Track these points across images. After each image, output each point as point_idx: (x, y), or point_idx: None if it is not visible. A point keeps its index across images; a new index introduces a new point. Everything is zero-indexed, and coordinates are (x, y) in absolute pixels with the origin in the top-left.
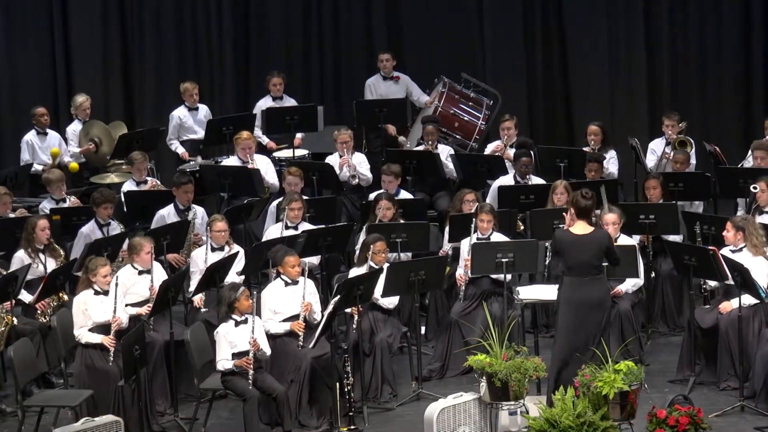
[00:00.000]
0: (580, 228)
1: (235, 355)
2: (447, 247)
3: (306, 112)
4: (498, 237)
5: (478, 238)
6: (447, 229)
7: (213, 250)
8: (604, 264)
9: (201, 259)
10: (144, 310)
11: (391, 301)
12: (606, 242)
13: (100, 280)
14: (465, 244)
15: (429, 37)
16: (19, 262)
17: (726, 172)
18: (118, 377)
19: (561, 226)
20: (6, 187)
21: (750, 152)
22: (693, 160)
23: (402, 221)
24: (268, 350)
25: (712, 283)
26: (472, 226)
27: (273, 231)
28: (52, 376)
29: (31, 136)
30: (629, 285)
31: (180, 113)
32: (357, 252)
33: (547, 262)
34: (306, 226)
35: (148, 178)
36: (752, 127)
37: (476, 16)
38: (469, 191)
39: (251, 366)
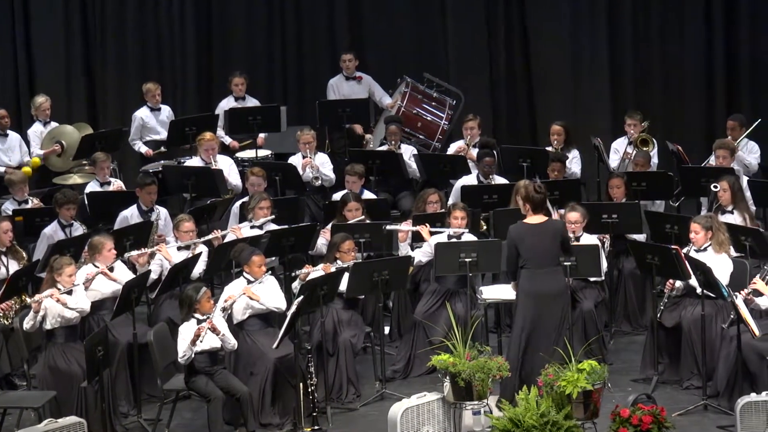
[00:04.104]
0: (536, 219)
1: (197, 353)
2: (409, 250)
3: (269, 113)
4: (468, 237)
5: (449, 236)
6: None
7: (179, 249)
8: (564, 262)
9: (165, 260)
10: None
11: None
12: (561, 231)
13: (65, 279)
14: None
15: (392, 37)
16: None
17: (688, 172)
18: (81, 379)
19: None
20: None
21: (713, 152)
22: (655, 160)
23: (367, 221)
24: (233, 341)
25: (679, 284)
26: (439, 224)
27: None
28: (15, 378)
29: None
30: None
31: (142, 114)
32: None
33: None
34: (271, 226)
35: (112, 179)
36: (714, 126)
37: (439, 17)
38: (433, 192)
39: (203, 329)
